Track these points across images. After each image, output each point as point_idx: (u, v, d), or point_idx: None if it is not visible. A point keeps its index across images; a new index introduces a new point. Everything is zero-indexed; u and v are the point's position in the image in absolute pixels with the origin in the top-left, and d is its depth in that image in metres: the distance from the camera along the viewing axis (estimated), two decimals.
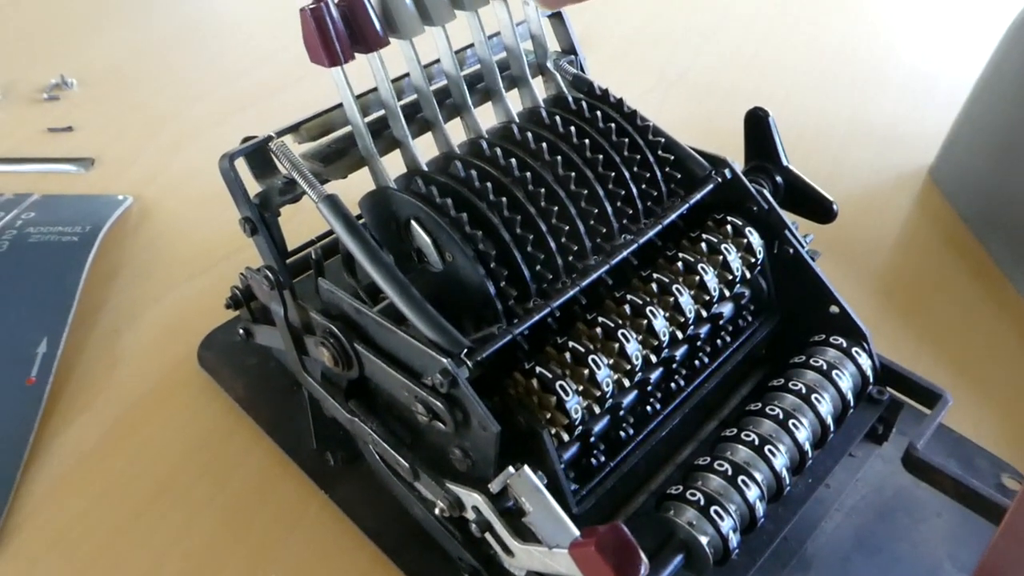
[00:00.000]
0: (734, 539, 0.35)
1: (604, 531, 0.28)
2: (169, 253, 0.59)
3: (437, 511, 0.35)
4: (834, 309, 0.43)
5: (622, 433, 0.38)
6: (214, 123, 0.69)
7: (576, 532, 0.30)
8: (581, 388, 0.35)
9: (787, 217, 0.45)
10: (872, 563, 0.41)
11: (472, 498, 0.34)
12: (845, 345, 0.42)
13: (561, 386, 0.34)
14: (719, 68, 0.82)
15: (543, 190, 0.38)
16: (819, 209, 0.48)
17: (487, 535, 0.34)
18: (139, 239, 0.60)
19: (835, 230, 0.62)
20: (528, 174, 0.38)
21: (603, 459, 0.38)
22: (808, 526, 0.42)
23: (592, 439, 0.37)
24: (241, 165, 0.38)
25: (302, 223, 0.43)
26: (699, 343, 0.41)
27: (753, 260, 0.42)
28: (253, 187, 0.38)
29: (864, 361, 0.42)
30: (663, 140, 0.42)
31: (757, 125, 0.48)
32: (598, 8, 0.80)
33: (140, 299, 0.55)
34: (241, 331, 0.46)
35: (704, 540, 0.34)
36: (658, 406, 0.40)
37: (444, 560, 0.40)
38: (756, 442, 0.37)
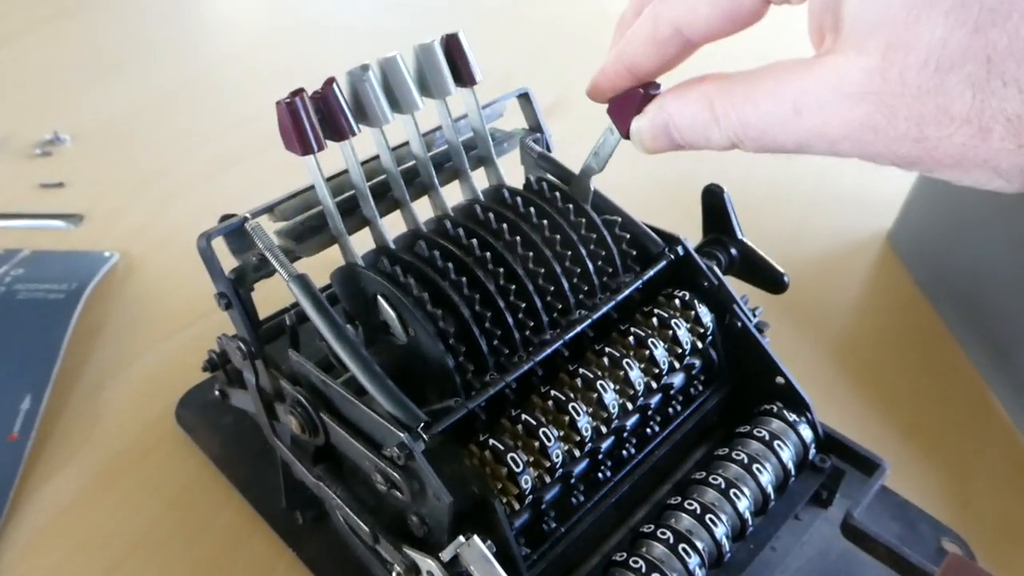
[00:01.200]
0: None
1: None
2: (153, 309, 0.61)
3: (394, 574, 0.37)
4: (780, 380, 0.46)
5: (573, 499, 0.41)
6: (202, 180, 0.72)
7: None
8: (532, 459, 0.37)
9: (740, 289, 0.48)
10: None
11: (427, 563, 0.36)
12: (788, 416, 0.44)
13: (512, 458, 0.37)
14: None
15: (502, 269, 0.41)
16: (771, 280, 0.51)
17: None
18: (124, 295, 0.62)
19: (793, 294, 0.65)
20: (488, 253, 0.41)
21: (554, 525, 0.40)
22: None
23: (543, 506, 0.39)
24: (219, 242, 0.41)
25: (281, 286, 0.45)
26: (650, 412, 0.44)
27: (702, 331, 0.45)
28: (230, 261, 0.41)
29: (806, 431, 0.44)
30: (619, 220, 0.45)
31: (713, 200, 0.51)
32: (572, 75, 0.83)
33: (123, 355, 0.57)
34: (217, 392, 0.48)
35: None
36: (608, 473, 0.42)
37: None
38: (698, 511, 0.39)
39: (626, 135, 0.35)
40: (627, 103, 0.34)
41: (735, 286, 0.48)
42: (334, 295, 0.44)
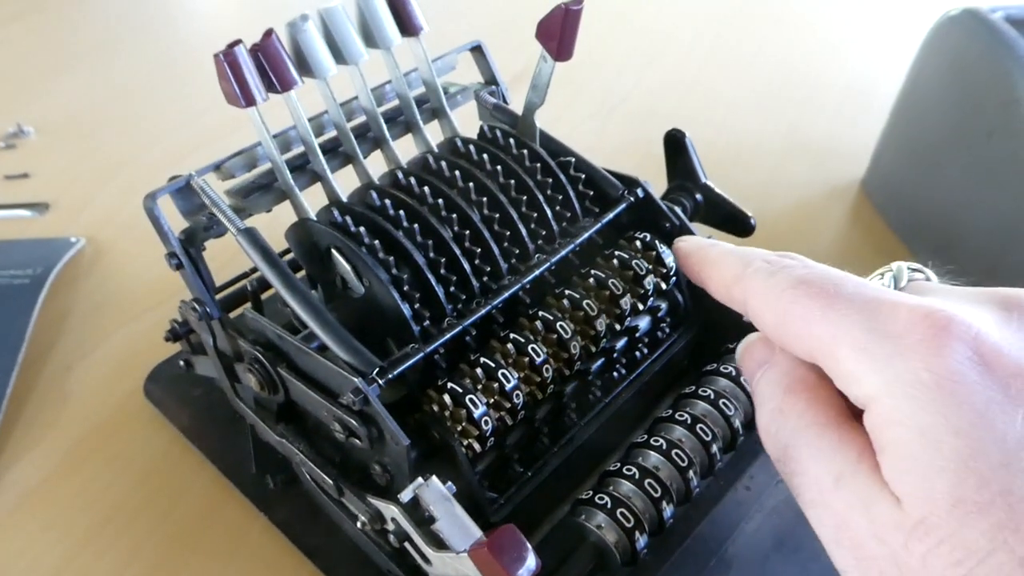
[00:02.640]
0: (641, 540, 0.36)
1: (497, 532, 0.30)
2: (120, 292, 0.60)
3: (359, 524, 0.37)
4: (746, 318, 0.45)
5: (539, 444, 0.40)
6: (167, 166, 0.70)
7: (477, 534, 0.31)
8: (492, 401, 0.37)
9: (706, 232, 0.48)
10: (791, 560, 0.43)
11: (390, 510, 0.35)
12: None
13: (471, 400, 0.36)
14: (660, 93, 0.85)
15: (455, 215, 0.40)
16: (738, 223, 0.50)
17: (406, 545, 0.36)
18: (91, 279, 0.61)
19: (769, 245, 0.65)
20: (441, 201, 0.41)
21: (520, 469, 0.39)
22: (728, 527, 0.43)
23: (507, 450, 0.39)
24: (170, 205, 0.40)
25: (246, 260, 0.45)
26: (615, 355, 0.43)
27: (665, 272, 0.44)
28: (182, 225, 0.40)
29: None
30: (574, 160, 0.45)
31: (675, 146, 0.51)
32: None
33: (91, 337, 0.57)
34: (182, 362, 0.48)
35: (611, 540, 0.36)
36: (575, 416, 0.42)
37: (376, 574, 0.41)
38: (664, 447, 0.39)
39: (557, 57, 0.35)
40: (552, 24, 0.34)
41: (704, 233, 0.47)
42: (296, 262, 0.43)
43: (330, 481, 0.38)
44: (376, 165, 0.44)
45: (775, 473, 0.45)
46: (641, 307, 0.43)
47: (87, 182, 0.71)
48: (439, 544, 0.34)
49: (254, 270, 0.47)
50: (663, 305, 0.46)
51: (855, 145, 0.75)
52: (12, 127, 0.76)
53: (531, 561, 0.30)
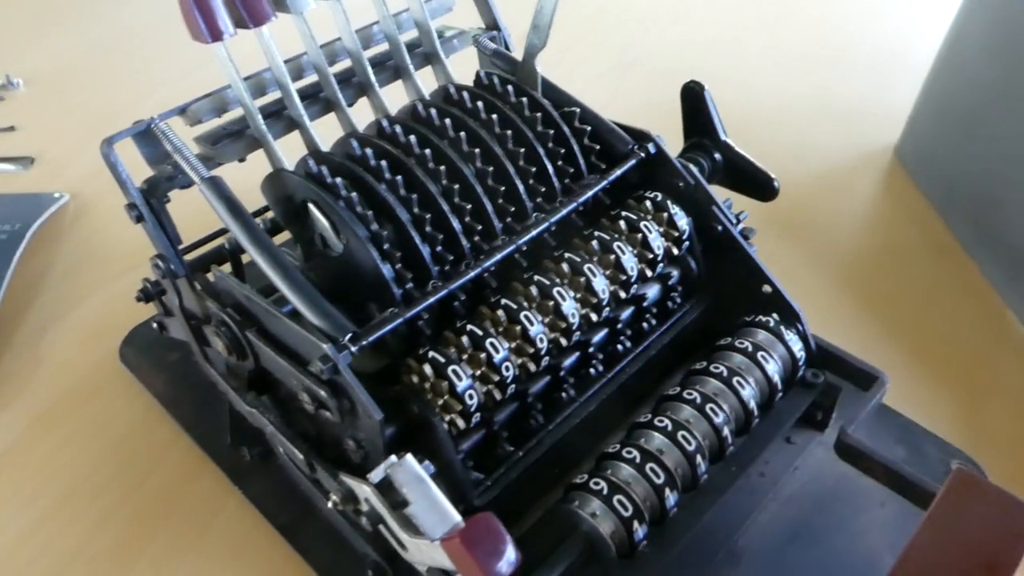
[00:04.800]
0: (640, 530, 0.33)
1: (471, 522, 0.26)
2: (102, 250, 0.57)
3: (330, 504, 0.34)
4: (767, 289, 0.41)
5: (532, 421, 0.37)
6: None
7: (455, 520, 0.28)
8: (479, 373, 0.33)
9: (724, 195, 0.44)
10: (808, 555, 0.39)
11: (363, 490, 0.32)
12: (774, 326, 0.40)
13: (454, 371, 0.33)
14: (680, 50, 0.80)
15: (444, 168, 0.37)
16: (759, 186, 0.46)
17: (381, 528, 0.32)
18: (72, 237, 0.59)
19: (794, 211, 0.61)
20: (428, 151, 0.37)
21: (510, 448, 0.36)
22: (739, 517, 0.39)
23: (496, 427, 0.35)
24: (135, 153, 0.37)
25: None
26: (620, 326, 0.39)
27: (677, 236, 0.40)
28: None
29: (795, 343, 0.40)
30: (579, 111, 0.41)
31: (693, 100, 0.46)
32: None
33: (69, 297, 0.54)
34: (155, 324, 0.45)
35: (606, 531, 0.32)
36: (572, 393, 0.38)
37: (353, 558, 0.38)
38: (669, 428, 0.35)
39: None
40: None
41: (722, 196, 0.43)
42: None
43: (300, 456, 0.35)
44: (363, 114, 0.40)
45: (792, 458, 0.42)
46: (650, 273, 0.40)
47: (74, 137, 0.68)
48: (414, 530, 0.31)
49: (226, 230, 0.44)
50: (674, 272, 0.42)
51: (888, 109, 0.70)
52: (1, 79, 0.73)
53: (510, 554, 0.26)
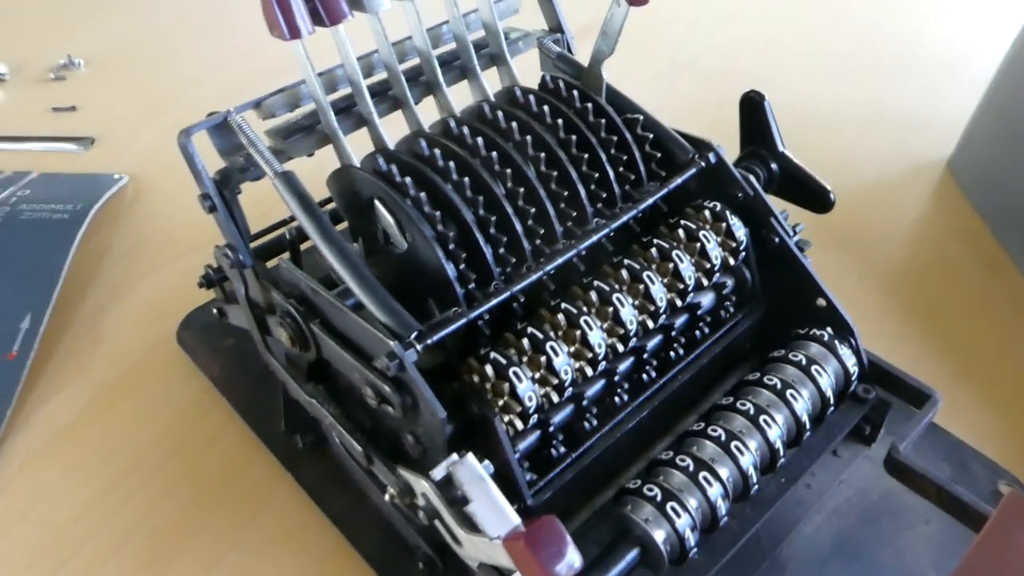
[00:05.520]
0: (692, 538, 0.33)
1: (536, 524, 0.27)
2: (160, 233, 0.59)
3: (387, 496, 0.35)
4: (821, 302, 0.41)
5: (586, 424, 0.37)
6: (213, 105, 0.68)
7: (515, 522, 0.29)
8: (538, 375, 0.34)
9: (779, 205, 0.44)
10: (851, 569, 0.39)
11: (421, 485, 0.33)
12: (828, 339, 0.40)
13: (515, 372, 0.33)
14: (733, 53, 0.80)
15: (510, 170, 0.37)
16: (815, 198, 0.46)
17: (436, 523, 0.33)
18: (132, 218, 0.60)
19: (842, 222, 0.60)
20: (495, 154, 0.37)
21: (563, 450, 0.36)
22: (784, 528, 0.40)
23: (551, 429, 0.36)
24: (208, 144, 0.38)
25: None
26: (674, 333, 0.40)
27: (735, 246, 0.40)
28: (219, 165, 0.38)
29: (848, 357, 0.40)
30: (642, 118, 0.41)
31: (752, 109, 0.46)
32: None
33: (128, 278, 0.55)
34: (215, 310, 0.46)
35: (659, 537, 0.33)
36: (626, 397, 0.38)
37: (404, 549, 0.39)
38: (723, 438, 0.35)
39: (632, 1, 0.31)
40: None
41: (779, 207, 0.43)
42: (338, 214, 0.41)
43: (359, 448, 0.36)
44: (428, 112, 0.41)
45: (838, 471, 0.42)
46: (706, 282, 0.40)
47: (134, 118, 0.69)
48: (471, 527, 0.31)
49: (293, 219, 0.44)
50: (729, 282, 0.42)
51: (942, 121, 0.70)
52: (63, 59, 0.75)
53: (572, 557, 0.27)
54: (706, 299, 0.41)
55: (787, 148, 0.46)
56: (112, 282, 0.55)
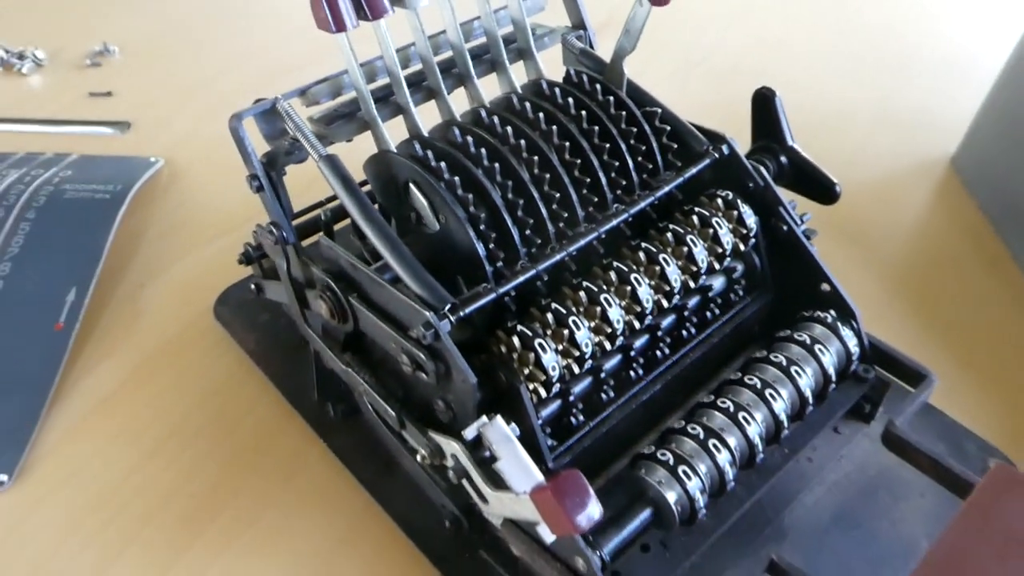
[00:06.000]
0: (701, 500, 0.36)
1: (562, 477, 0.30)
2: (195, 214, 0.61)
3: (419, 458, 0.37)
4: (825, 287, 0.44)
5: (603, 395, 0.40)
6: (246, 92, 0.71)
7: (540, 478, 0.31)
8: (561, 348, 0.37)
9: (788, 196, 0.46)
10: (849, 538, 0.42)
11: (451, 446, 0.36)
12: (831, 322, 0.42)
13: (540, 344, 0.36)
14: (745, 52, 0.82)
15: (537, 158, 0.40)
16: (822, 189, 0.48)
17: (464, 482, 0.36)
18: (168, 200, 0.63)
19: (849, 215, 0.63)
20: (523, 142, 0.40)
21: (582, 419, 0.39)
22: (787, 498, 0.42)
23: (571, 398, 0.38)
24: (254, 128, 0.40)
25: (321, 191, 0.45)
26: (687, 314, 0.42)
27: (745, 233, 0.43)
28: (264, 149, 0.41)
29: (850, 338, 0.42)
30: (660, 111, 0.43)
31: (764, 105, 0.49)
32: None
33: (165, 256, 0.58)
34: (253, 286, 0.49)
35: (671, 498, 0.35)
36: (641, 372, 0.41)
37: (430, 509, 0.42)
38: (731, 409, 0.38)
39: (655, 1, 0.33)
40: None
41: (787, 198, 0.45)
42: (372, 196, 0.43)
43: (392, 413, 0.38)
44: (459, 102, 0.44)
45: (839, 446, 0.45)
46: (717, 266, 0.42)
47: (168, 103, 0.72)
48: (498, 484, 0.34)
49: (328, 200, 0.47)
50: (739, 267, 0.45)
51: (948, 120, 0.72)
52: (98, 46, 0.78)
53: (593, 508, 0.29)
54: (717, 282, 0.44)
55: (797, 143, 0.48)
56: (150, 260, 0.58)
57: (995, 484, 0.35)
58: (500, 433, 0.33)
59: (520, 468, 0.32)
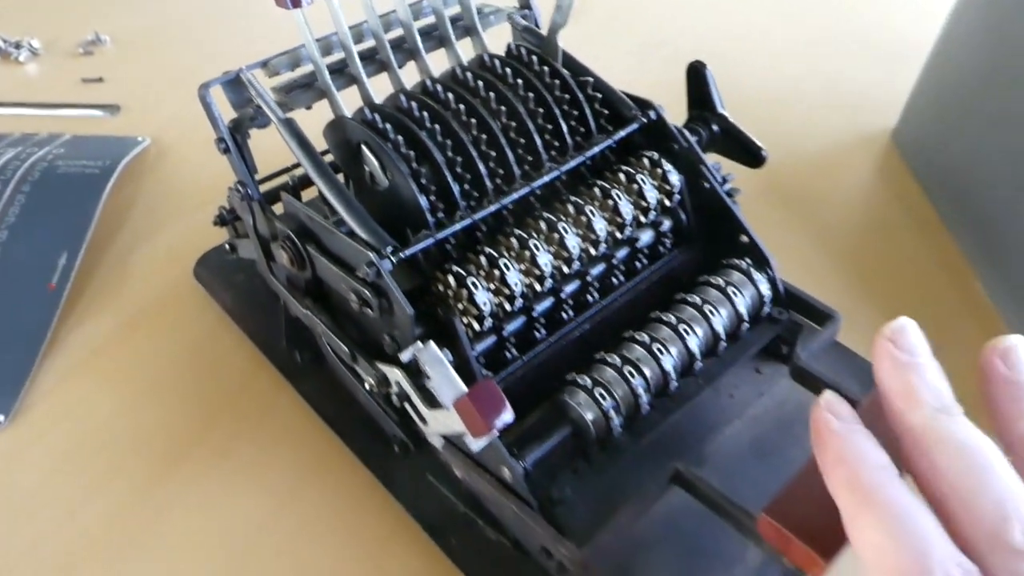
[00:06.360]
0: (616, 419, 0.40)
1: (478, 385, 0.34)
2: (179, 188, 0.66)
3: (367, 386, 0.42)
4: (744, 238, 0.48)
5: (536, 333, 0.44)
6: None
7: (463, 388, 0.36)
8: (493, 287, 0.41)
9: (717, 161, 0.51)
10: (765, 463, 0.46)
11: (394, 373, 0.40)
12: (746, 268, 0.47)
13: (472, 282, 0.40)
14: (704, 37, 0.87)
15: (475, 121, 0.44)
16: (750, 154, 0.53)
17: (406, 405, 0.40)
18: (154, 175, 0.67)
19: (792, 184, 0.68)
20: (463, 107, 0.44)
21: (516, 353, 0.43)
22: (708, 430, 0.47)
23: (506, 334, 0.43)
24: (223, 98, 0.45)
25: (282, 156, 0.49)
26: (615, 263, 0.47)
27: (669, 189, 0.47)
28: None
29: (764, 285, 0.47)
30: (592, 80, 0.48)
31: (696, 77, 0.53)
32: None
33: (150, 225, 0.63)
34: (227, 246, 0.53)
35: (589, 417, 0.40)
36: (572, 314, 0.45)
37: (383, 441, 0.46)
38: (648, 342, 0.42)
39: None
40: None
41: (711, 160, 0.50)
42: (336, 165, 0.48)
43: (345, 348, 0.43)
44: (411, 76, 0.48)
45: (759, 386, 0.49)
46: (643, 219, 0.47)
47: (155, 88, 0.77)
48: (432, 403, 0.39)
49: (294, 166, 0.52)
50: (667, 222, 0.49)
51: (891, 97, 0.76)
52: (91, 35, 0.82)
53: (506, 414, 0.34)
54: (646, 235, 0.48)
55: (750, 121, 0.52)
56: (136, 229, 0.62)
57: (875, 403, 0.39)
58: (432, 355, 0.37)
59: (448, 384, 0.36)
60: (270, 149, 0.48)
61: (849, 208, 0.67)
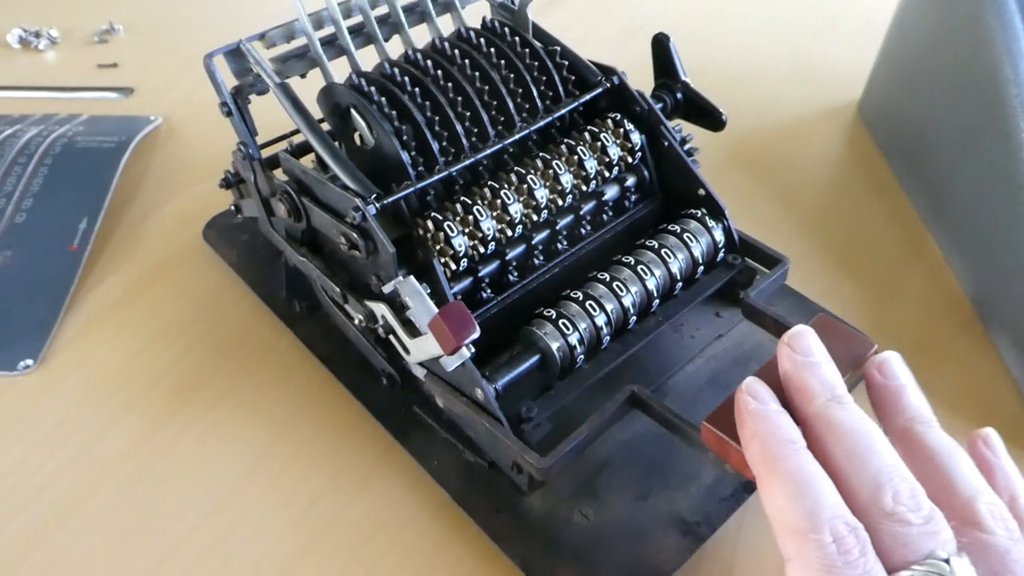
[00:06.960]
0: (580, 349, 0.45)
1: (447, 306, 0.39)
2: (189, 162, 0.71)
3: (356, 322, 0.47)
4: (701, 192, 0.53)
5: (509, 277, 0.49)
6: None
7: (436, 310, 0.40)
8: (468, 231, 0.46)
9: (674, 124, 0.55)
10: (721, 395, 0.50)
11: (380, 308, 0.45)
12: (701, 217, 0.51)
13: (448, 226, 0.45)
14: (684, 17, 0.91)
15: (451, 85, 0.49)
16: (711, 118, 0.57)
17: (391, 338, 0.45)
18: (165, 151, 0.72)
19: (759, 151, 0.72)
20: (440, 72, 0.49)
21: (490, 293, 0.48)
22: (669, 366, 0.51)
23: (481, 276, 0.48)
24: (226, 68, 0.50)
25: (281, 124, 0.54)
26: (583, 214, 0.52)
27: (631, 147, 0.52)
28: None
29: (718, 233, 0.51)
30: (559, 49, 0.53)
31: (660, 48, 0.58)
32: None
33: (162, 194, 0.68)
34: (232, 207, 0.58)
35: (554, 347, 0.45)
36: (542, 259, 0.50)
37: (372, 377, 0.51)
38: (609, 281, 0.47)
39: None
40: None
41: (673, 124, 0.54)
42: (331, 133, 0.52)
43: (337, 289, 0.48)
44: (396, 49, 0.53)
45: (718, 328, 0.54)
46: (607, 174, 0.51)
47: (167, 72, 0.82)
48: (413, 332, 0.43)
49: (291, 134, 0.57)
50: (631, 179, 0.54)
51: (858, 71, 0.80)
52: (105, 24, 0.87)
53: (473, 330, 0.39)
54: (611, 191, 0.53)
55: (723, 95, 0.56)
56: (150, 197, 0.67)
57: (815, 327, 0.43)
58: (411, 287, 0.42)
59: (424, 309, 0.41)
60: (269, 124, 0.53)
61: (813, 172, 0.71)
